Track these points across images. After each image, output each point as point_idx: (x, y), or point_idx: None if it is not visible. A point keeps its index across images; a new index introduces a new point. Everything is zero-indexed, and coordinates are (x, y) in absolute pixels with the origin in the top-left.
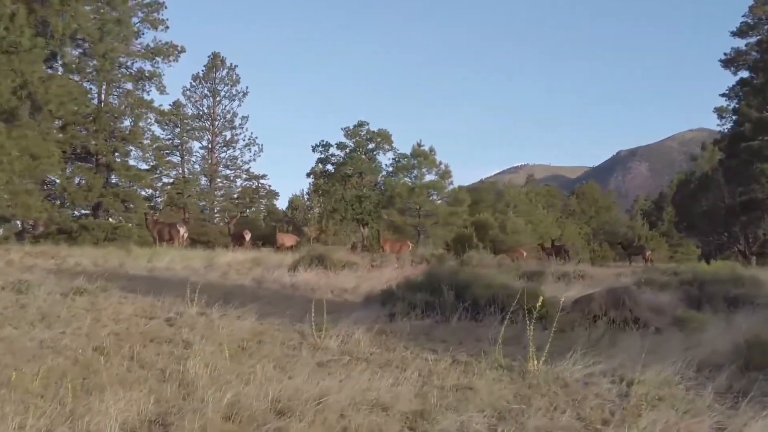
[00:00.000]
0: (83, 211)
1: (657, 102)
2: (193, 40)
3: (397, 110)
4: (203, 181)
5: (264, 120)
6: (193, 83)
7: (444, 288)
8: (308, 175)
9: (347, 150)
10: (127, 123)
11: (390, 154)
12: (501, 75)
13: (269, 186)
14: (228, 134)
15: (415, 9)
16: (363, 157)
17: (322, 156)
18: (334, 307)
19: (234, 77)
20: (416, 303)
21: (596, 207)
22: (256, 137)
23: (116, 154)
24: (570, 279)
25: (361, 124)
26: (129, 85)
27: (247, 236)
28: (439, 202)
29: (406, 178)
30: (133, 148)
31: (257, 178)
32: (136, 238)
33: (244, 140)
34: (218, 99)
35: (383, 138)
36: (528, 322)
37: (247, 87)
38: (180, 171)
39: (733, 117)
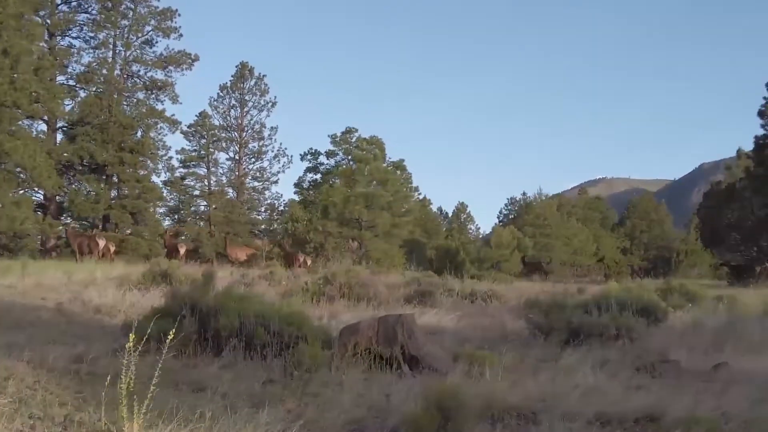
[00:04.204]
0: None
1: (742, 113)
2: (223, 50)
3: (480, 123)
4: (230, 193)
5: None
6: (221, 93)
7: (187, 316)
8: (295, 185)
9: (336, 158)
10: (139, 134)
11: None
12: (578, 89)
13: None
14: (256, 145)
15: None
16: (352, 166)
17: (311, 165)
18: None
19: (263, 87)
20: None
21: (648, 220)
22: (286, 148)
23: (125, 165)
24: (477, 299)
25: (350, 131)
26: (140, 95)
27: (182, 249)
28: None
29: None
30: (143, 159)
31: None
32: (146, 251)
33: (273, 151)
34: (246, 109)
35: (375, 146)
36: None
37: (275, 97)
38: (206, 183)
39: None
